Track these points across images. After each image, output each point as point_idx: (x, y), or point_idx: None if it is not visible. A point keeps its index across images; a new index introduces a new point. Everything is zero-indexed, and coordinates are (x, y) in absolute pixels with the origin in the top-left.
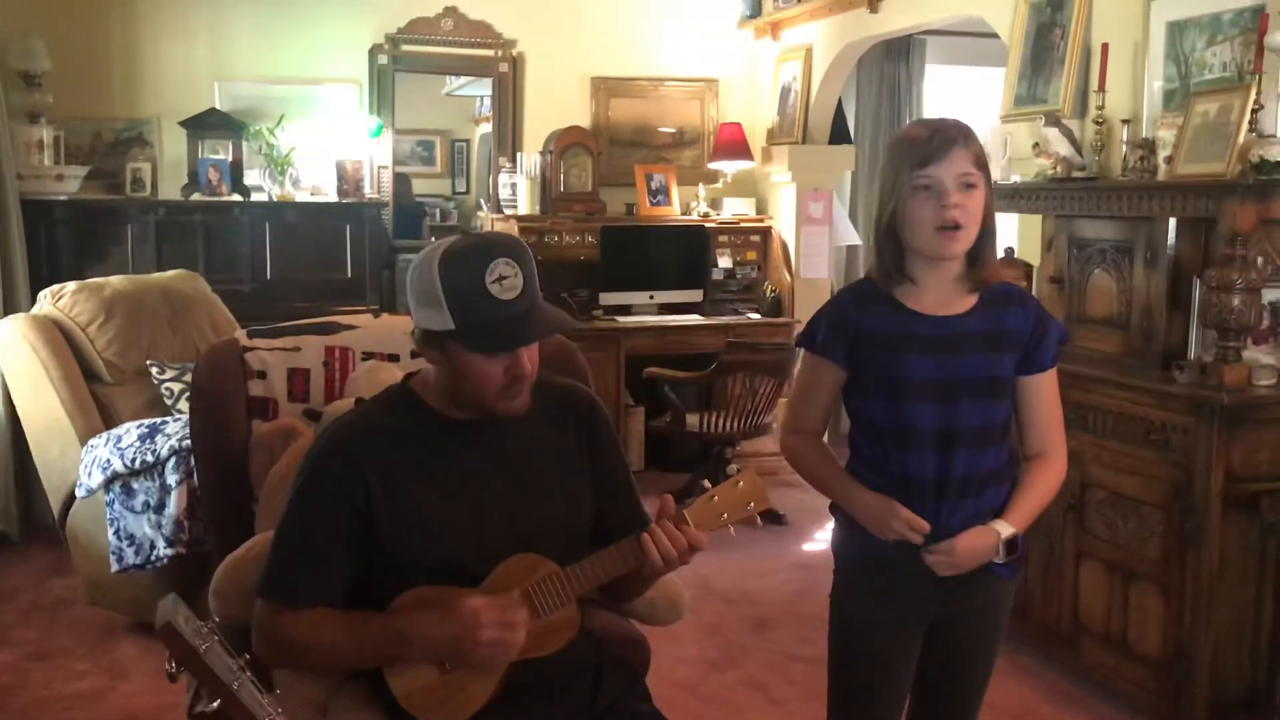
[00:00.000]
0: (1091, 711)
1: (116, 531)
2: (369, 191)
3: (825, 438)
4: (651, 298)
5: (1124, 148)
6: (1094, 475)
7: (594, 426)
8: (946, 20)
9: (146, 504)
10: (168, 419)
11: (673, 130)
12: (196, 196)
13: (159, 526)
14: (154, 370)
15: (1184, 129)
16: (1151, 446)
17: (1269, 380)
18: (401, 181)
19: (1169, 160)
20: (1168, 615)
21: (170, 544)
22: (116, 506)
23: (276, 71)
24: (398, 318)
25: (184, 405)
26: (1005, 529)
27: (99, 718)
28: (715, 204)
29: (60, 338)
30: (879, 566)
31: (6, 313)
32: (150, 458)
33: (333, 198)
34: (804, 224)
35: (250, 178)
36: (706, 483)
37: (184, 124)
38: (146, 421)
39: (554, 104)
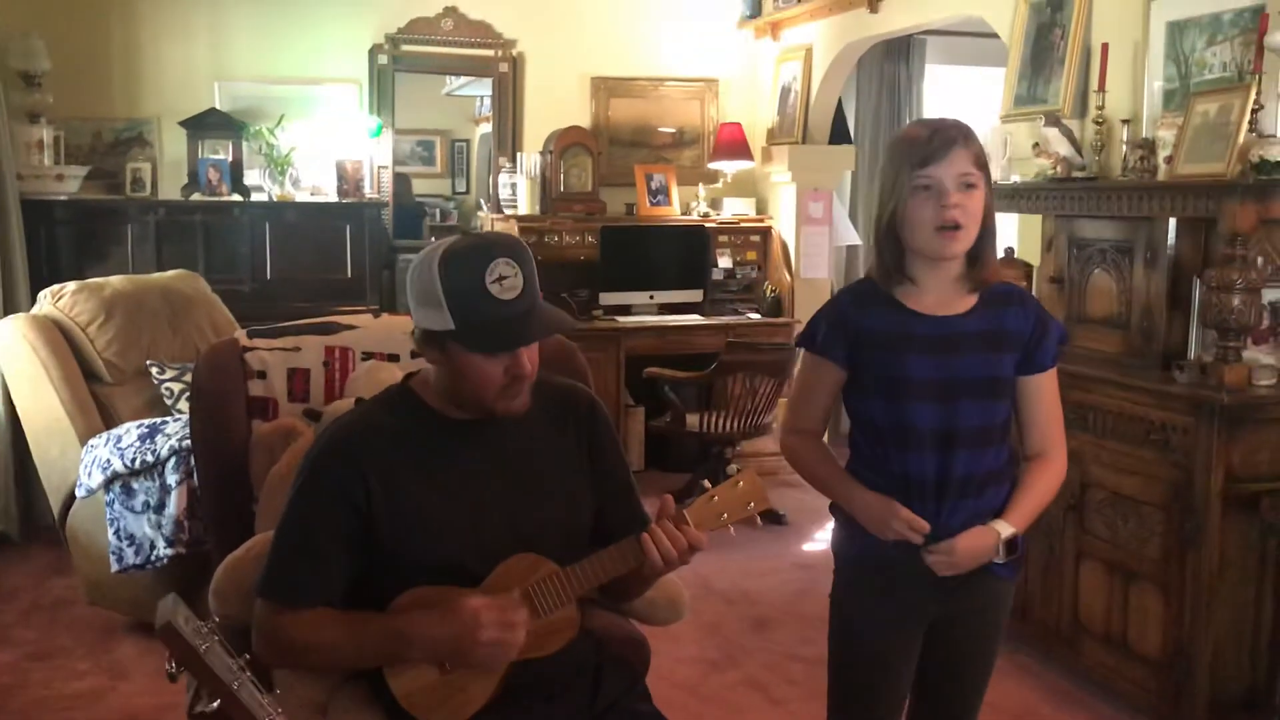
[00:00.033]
0: (1091, 711)
1: (116, 531)
2: (369, 191)
3: (825, 438)
4: (651, 298)
5: (1124, 148)
6: (1094, 475)
7: (594, 426)
8: (946, 20)
9: (146, 504)
10: (168, 419)
11: (673, 130)
12: (196, 196)
13: (159, 526)
14: (154, 370)
15: (1184, 129)
16: (1151, 446)
17: (1269, 380)
18: (401, 181)
19: (1169, 160)
20: (1168, 615)
21: (170, 544)
22: (116, 506)
23: (276, 71)
24: (398, 318)
25: (184, 405)
26: (1005, 529)
27: (99, 718)
28: (715, 204)
29: (60, 338)
30: (879, 566)
31: (6, 313)
32: (150, 458)
33: (333, 198)
34: (804, 224)
35: (250, 178)
36: (706, 483)
37: (184, 124)
38: (146, 421)
39: (554, 104)
